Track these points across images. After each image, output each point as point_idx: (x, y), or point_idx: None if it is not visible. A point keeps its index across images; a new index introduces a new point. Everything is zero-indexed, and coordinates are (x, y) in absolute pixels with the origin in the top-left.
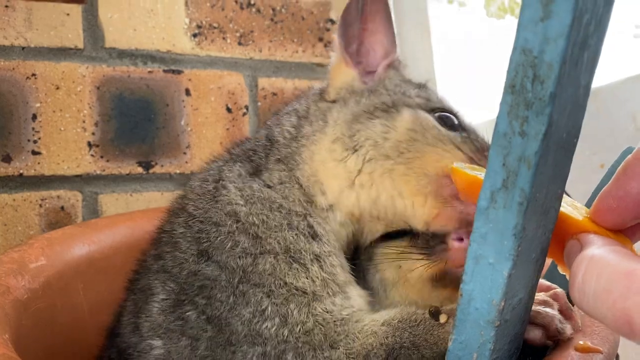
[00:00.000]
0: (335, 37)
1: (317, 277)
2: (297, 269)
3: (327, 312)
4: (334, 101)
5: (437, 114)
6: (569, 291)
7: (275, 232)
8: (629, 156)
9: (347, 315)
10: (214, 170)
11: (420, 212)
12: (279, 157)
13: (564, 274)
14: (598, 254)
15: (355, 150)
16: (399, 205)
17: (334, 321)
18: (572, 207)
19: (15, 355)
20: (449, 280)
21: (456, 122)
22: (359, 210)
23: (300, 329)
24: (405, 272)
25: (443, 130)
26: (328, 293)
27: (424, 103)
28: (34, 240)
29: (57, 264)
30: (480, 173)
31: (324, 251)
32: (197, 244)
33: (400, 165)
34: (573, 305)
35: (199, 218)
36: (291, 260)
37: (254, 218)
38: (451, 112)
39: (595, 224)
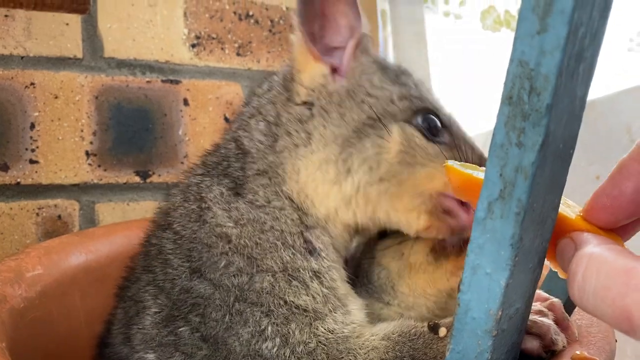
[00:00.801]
0: (294, 18)
1: (318, 294)
2: (297, 286)
3: (330, 331)
4: (305, 102)
5: (420, 118)
6: (568, 290)
7: (271, 252)
8: (624, 156)
9: (348, 332)
10: (192, 187)
11: (414, 225)
12: (257, 170)
13: (562, 277)
14: (597, 252)
15: (349, 172)
16: (393, 219)
17: (336, 340)
18: (565, 205)
19: None
20: (450, 249)
21: (439, 124)
22: (354, 222)
23: (302, 349)
24: (408, 257)
25: (430, 146)
26: (329, 309)
27: (408, 107)
28: (31, 249)
29: (54, 273)
30: (473, 171)
31: (323, 266)
32: (188, 261)
33: (393, 187)
34: (569, 316)
35: (188, 238)
36: (290, 278)
37: (246, 240)
38: (432, 110)
39: (588, 222)
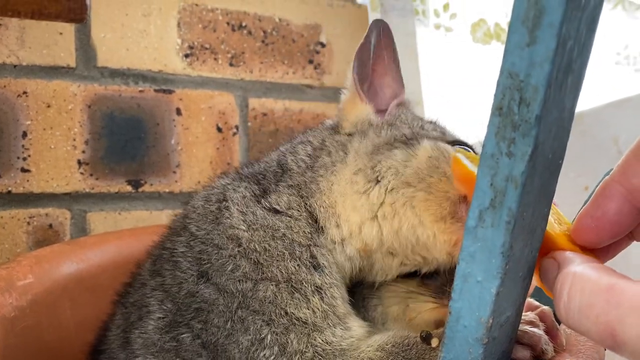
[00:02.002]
0: (350, 74)
1: (318, 309)
2: (299, 298)
3: (327, 343)
4: (349, 134)
5: (454, 146)
6: (555, 309)
7: (277, 260)
8: (607, 177)
9: (346, 345)
10: (218, 189)
11: (441, 240)
12: (290, 183)
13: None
14: (580, 271)
15: (378, 182)
16: (420, 235)
17: (333, 352)
18: (556, 216)
19: None
20: None
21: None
22: (379, 242)
23: (298, 359)
24: (411, 313)
25: None
26: (328, 324)
27: (441, 136)
28: (22, 257)
29: (45, 282)
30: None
31: (326, 283)
32: (197, 264)
33: (420, 192)
34: (559, 324)
35: (201, 239)
36: (293, 290)
37: (256, 245)
38: (466, 145)
39: (573, 242)
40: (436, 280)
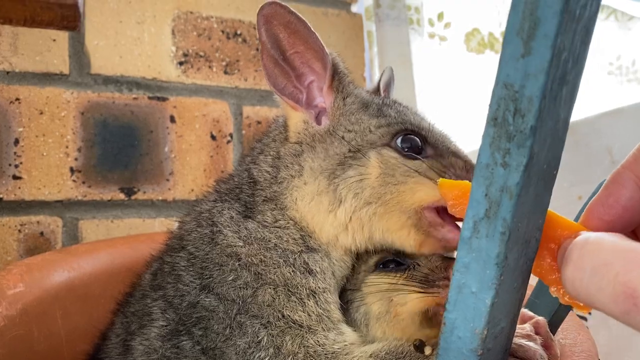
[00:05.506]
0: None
1: (313, 312)
2: (295, 301)
3: (320, 344)
4: (297, 143)
5: (399, 140)
6: (561, 277)
7: (274, 268)
8: (619, 167)
9: (338, 349)
10: (205, 214)
11: (407, 243)
12: (265, 197)
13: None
14: (594, 236)
15: (341, 202)
16: (389, 239)
17: (325, 354)
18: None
19: None
20: (440, 319)
21: (419, 142)
22: (355, 246)
23: None
24: (395, 306)
25: (408, 163)
26: (322, 328)
27: (386, 132)
28: (12, 266)
29: (35, 291)
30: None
31: (319, 287)
32: (200, 279)
33: (380, 207)
34: (553, 335)
35: (201, 258)
36: (289, 293)
37: (253, 258)
38: (412, 130)
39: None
40: (420, 271)
